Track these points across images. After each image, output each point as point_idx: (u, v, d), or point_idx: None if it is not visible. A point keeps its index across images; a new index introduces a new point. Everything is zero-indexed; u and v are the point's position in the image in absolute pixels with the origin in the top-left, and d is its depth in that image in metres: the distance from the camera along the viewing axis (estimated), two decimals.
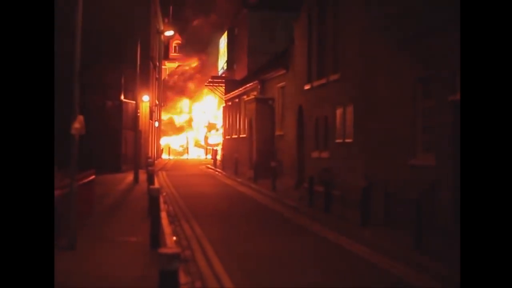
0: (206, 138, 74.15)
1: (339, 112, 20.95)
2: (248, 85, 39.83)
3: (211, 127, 73.84)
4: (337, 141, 21.11)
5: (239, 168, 36.13)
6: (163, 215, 16.13)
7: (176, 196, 24.49)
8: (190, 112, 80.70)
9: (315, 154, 23.74)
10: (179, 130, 79.03)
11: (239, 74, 52.11)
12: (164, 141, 69.37)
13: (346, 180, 19.34)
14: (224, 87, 50.57)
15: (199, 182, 33.01)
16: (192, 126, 79.75)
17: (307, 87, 25.38)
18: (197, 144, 77.26)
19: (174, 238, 13.78)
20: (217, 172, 41.19)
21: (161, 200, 17.91)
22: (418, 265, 11.33)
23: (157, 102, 56.01)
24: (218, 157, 49.23)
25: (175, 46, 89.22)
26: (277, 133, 32.74)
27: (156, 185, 19.52)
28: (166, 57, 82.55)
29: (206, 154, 68.30)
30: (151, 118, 48.96)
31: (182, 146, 76.27)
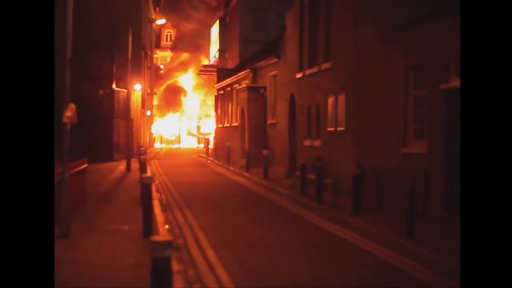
0: (198, 127, 74.11)
1: (331, 100, 20.97)
2: (240, 73, 39.77)
3: (203, 115, 73.83)
4: (329, 129, 21.14)
5: (231, 156, 36.14)
6: (156, 203, 16.13)
7: (169, 184, 24.50)
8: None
9: (307, 143, 23.78)
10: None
11: (231, 63, 52.00)
12: (156, 130, 69.27)
13: (338, 168, 19.40)
14: (216, 76, 50.44)
15: (191, 170, 33.02)
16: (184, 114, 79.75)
17: (299, 75, 25.38)
18: (190, 133, 77.21)
19: (167, 226, 13.79)
20: (209, 161, 41.19)
21: (154, 188, 17.92)
22: (409, 252, 11.39)
23: (148, 91, 55.87)
24: (211, 146, 49.19)
25: (166, 35, 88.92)
26: (269, 121, 32.75)
27: (149, 173, 19.52)
28: (158, 45, 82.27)
29: (199, 143, 68.24)
30: (143, 106, 48.86)
31: (174, 134, 76.19)
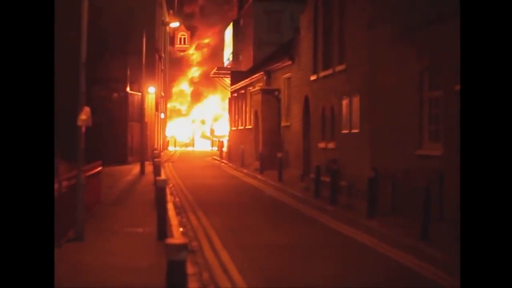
0: (212, 130, 74.19)
1: (345, 102, 20.90)
2: (253, 76, 39.77)
3: (216, 118, 73.93)
4: (344, 131, 21.06)
5: (245, 159, 36.13)
6: (170, 206, 16.14)
7: (183, 187, 24.52)
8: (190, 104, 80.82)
9: (321, 145, 23.71)
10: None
11: (245, 65, 52.05)
12: (170, 132, 69.42)
13: (353, 171, 19.32)
14: (229, 78, 50.52)
15: (205, 173, 33.04)
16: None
17: (313, 77, 25.32)
18: (204, 136, 77.32)
19: (181, 229, 13.79)
20: (223, 164, 41.21)
21: (168, 191, 17.93)
22: (424, 255, 11.32)
23: (162, 94, 56.00)
24: (224, 148, 49.22)
25: (180, 38, 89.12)
26: (283, 124, 32.70)
27: (163, 176, 19.54)
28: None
29: (212, 146, 68.31)
30: (156, 109, 48.98)
31: (188, 137, 76.36)
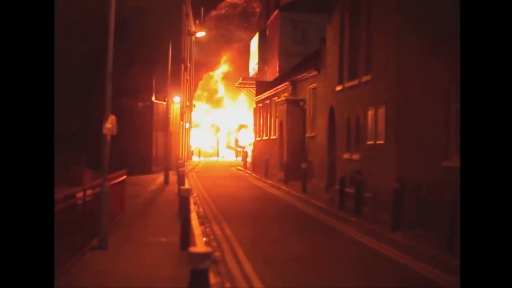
0: (236, 140, 74.24)
1: (370, 113, 20.77)
2: (279, 86, 39.76)
3: (241, 128, 73.99)
4: (369, 142, 20.93)
5: (269, 169, 36.06)
6: (193, 216, 16.12)
7: (206, 197, 24.51)
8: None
9: (346, 156, 23.58)
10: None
11: (270, 76, 52.09)
12: (194, 142, 69.58)
13: (378, 182, 19.17)
14: (255, 89, 50.57)
15: (229, 183, 33.01)
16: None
17: (338, 88, 25.23)
18: (228, 146, 77.40)
19: (204, 239, 13.76)
20: (247, 174, 41.18)
21: (191, 201, 17.92)
22: (450, 268, 11.15)
23: (187, 103, 56.20)
24: (249, 159, 49.21)
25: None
26: (308, 134, 32.61)
27: (187, 186, 19.54)
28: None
29: (237, 156, 68.31)
30: (181, 119, 49.14)
31: (212, 147, 76.48)
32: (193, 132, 70.30)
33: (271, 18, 54.38)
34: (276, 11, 51.66)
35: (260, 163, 41.62)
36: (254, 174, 39.05)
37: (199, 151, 69.78)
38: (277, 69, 50.07)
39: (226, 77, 79.98)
